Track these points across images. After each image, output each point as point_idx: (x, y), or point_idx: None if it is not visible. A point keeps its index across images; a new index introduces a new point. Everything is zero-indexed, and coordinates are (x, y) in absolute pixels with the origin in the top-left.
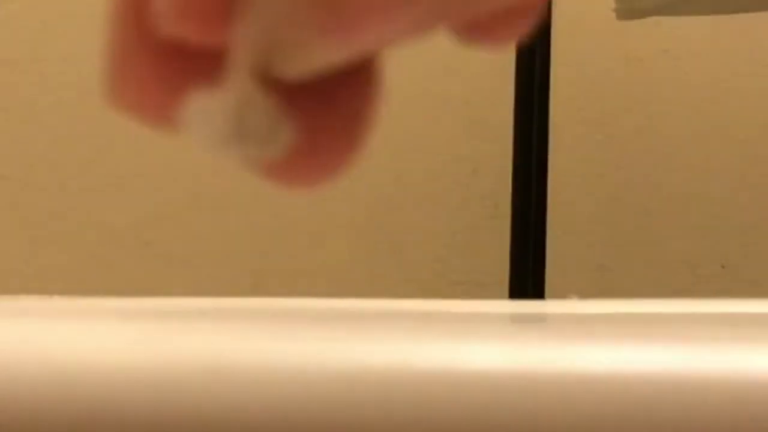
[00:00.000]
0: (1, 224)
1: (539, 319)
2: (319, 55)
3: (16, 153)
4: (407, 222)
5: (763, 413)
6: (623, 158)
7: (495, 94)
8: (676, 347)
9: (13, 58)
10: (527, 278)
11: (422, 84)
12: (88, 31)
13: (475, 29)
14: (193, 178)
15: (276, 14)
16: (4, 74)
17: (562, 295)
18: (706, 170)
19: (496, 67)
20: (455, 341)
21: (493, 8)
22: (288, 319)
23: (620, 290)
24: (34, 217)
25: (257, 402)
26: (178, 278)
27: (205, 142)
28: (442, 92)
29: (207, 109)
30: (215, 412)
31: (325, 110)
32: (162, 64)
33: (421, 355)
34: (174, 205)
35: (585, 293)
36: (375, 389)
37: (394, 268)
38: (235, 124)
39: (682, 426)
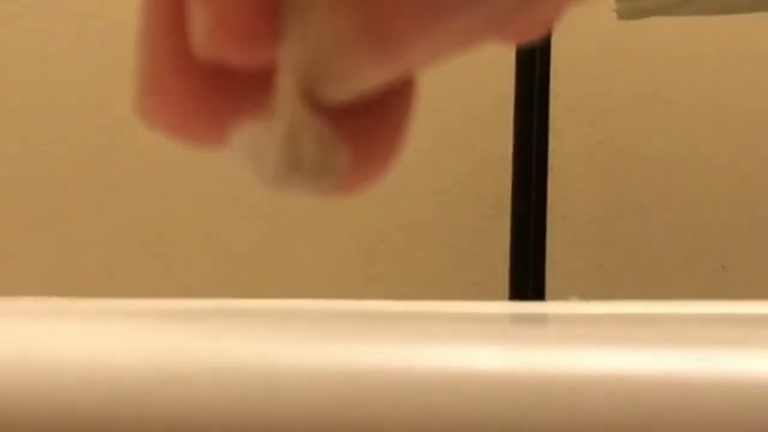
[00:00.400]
0: (0, 225)
1: (539, 321)
2: (365, 76)
3: (15, 153)
4: (407, 222)
5: (765, 415)
6: (623, 158)
7: (495, 94)
8: (676, 348)
9: (14, 57)
10: (527, 279)
11: (422, 84)
12: (89, 31)
13: (501, 34)
14: (192, 178)
15: (320, 35)
16: (4, 74)
17: (562, 296)
18: (706, 170)
19: (496, 67)
20: (455, 342)
21: (526, 20)
22: (288, 319)
23: (621, 291)
24: (33, 218)
25: (257, 403)
26: (178, 279)
27: (259, 177)
28: (442, 92)
29: (258, 141)
30: (215, 412)
31: (367, 124)
32: (202, 87)
33: (420, 356)
34: (174, 206)
35: (585, 294)
36: (373, 390)
37: (394, 268)
38: (289, 156)
39: (683, 428)
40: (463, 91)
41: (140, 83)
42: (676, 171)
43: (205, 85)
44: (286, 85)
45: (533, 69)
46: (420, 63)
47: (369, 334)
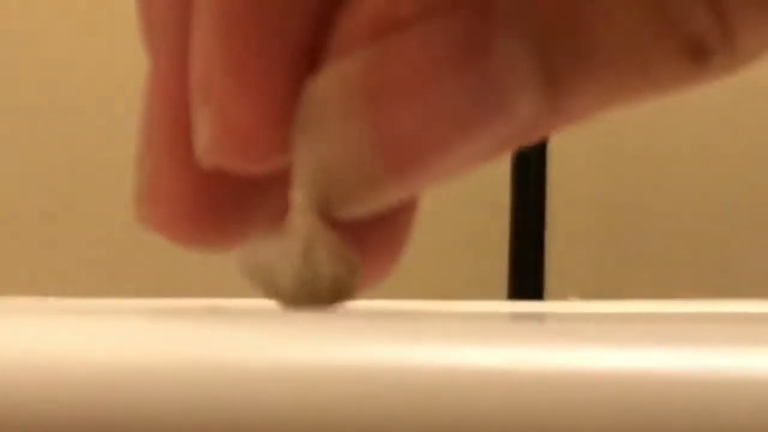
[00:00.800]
0: (0, 225)
1: (539, 320)
2: (382, 195)
3: (15, 153)
4: None
5: (766, 415)
6: (623, 159)
7: None
8: (677, 348)
9: (14, 58)
10: (526, 279)
11: None
12: (89, 31)
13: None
14: None
15: (332, 150)
16: (4, 74)
17: (561, 295)
18: (707, 170)
19: None
20: (454, 342)
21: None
22: (287, 319)
23: (621, 291)
24: (32, 218)
25: (257, 403)
26: (177, 279)
27: (272, 295)
28: None
29: (271, 259)
30: (214, 412)
31: (371, 231)
32: (204, 194)
33: (419, 355)
34: None
35: (585, 294)
36: (372, 390)
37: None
38: (306, 274)
39: (683, 427)
40: None
41: (139, 189)
42: (677, 171)
43: (207, 193)
44: (299, 201)
45: None
46: (438, 179)
47: (368, 334)
